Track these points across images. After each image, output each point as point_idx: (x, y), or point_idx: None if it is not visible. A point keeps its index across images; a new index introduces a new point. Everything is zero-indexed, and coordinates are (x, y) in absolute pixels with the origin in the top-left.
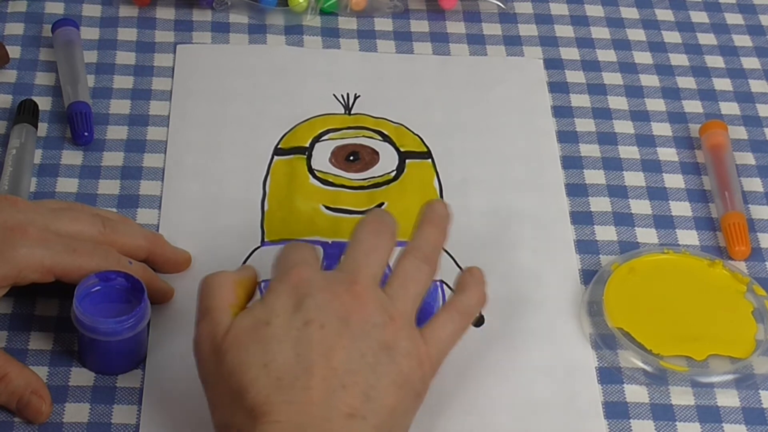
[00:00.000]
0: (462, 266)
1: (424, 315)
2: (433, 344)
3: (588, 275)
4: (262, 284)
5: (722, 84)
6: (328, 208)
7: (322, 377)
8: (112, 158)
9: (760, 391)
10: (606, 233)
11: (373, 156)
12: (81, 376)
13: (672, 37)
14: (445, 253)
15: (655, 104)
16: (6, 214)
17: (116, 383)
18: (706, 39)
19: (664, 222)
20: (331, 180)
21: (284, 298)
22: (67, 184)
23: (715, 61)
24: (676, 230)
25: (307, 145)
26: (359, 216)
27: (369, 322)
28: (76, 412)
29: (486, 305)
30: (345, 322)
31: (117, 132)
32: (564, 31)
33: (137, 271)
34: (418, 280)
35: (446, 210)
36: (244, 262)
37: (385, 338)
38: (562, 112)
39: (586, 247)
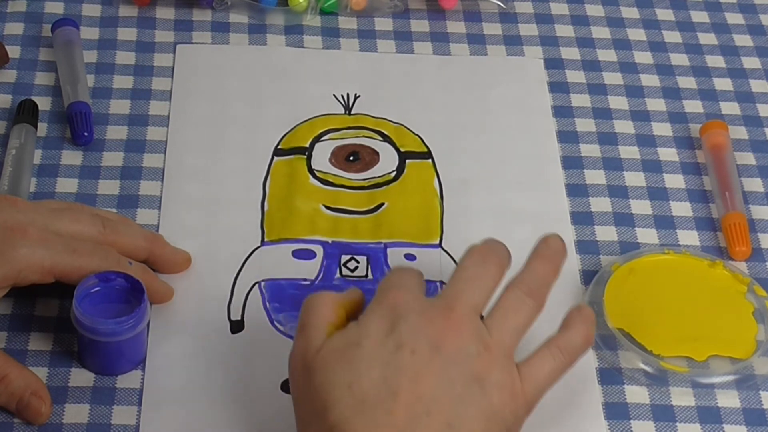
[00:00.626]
0: None
1: None
2: (529, 380)
3: (588, 275)
4: (263, 283)
5: (723, 84)
6: (328, 208)
7: (407, 402)
8: (112, 158)
9: (760, 392)
10: (606, 233)
11: (373, 156)
12: (81, 377)
13: (672, 36)
14: (444, 254)
15: (656, 104)
16: (6, 214)
17: (116, 384)
18: (707, 39)
19: (664, 222)
20: (331, 180)
21: (378, 320)
22: (67, 185)
23: (715, 61)
24: (677, 230)
25: (307, 145)
26: (359, 216)
27: (462, 350)
28: (76, 412)
29: (591, 345)
30: (437, 348)
31: (117, 132)
32: (564, 30)
33: (137, 271)
34: (520, 312)
35: (561, 245)
36: (244, 262)
37: (477, 368)
38: (562, 111)
39: (586, 247)
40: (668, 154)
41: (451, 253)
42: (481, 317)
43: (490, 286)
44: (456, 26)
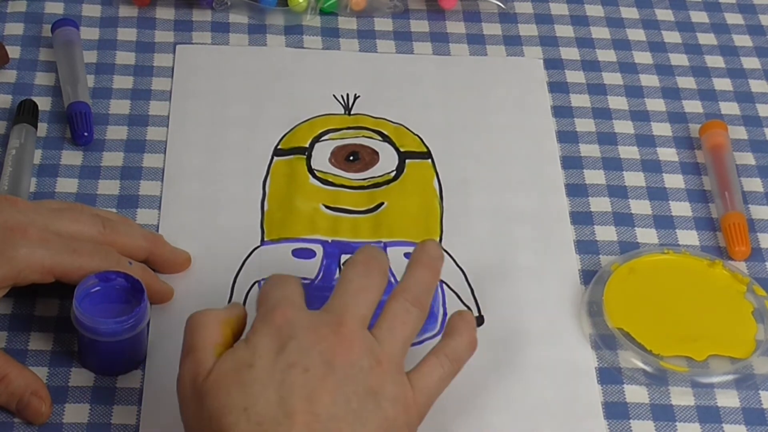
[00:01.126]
0: (462, 266)
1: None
2: (420, 390)
3: (588, 275)
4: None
5: (722, 84)
6: (328, 207)
7: (305, 423)
8: (112, 158)
9: (760, 392)
10: (606, 233)
11: (373, 156)
12: (81, 377)
13: (672, 37)
14: (445, 253)
15: (655, 104)
16: (6, 214)
17: (116, 384)
18: (706, 39)
19: (664, 222)
20: (331, 180)
21: (267, 339)
22: (67, 185)
23: (715, 61)
24: (676, 230)
25: (307, 145)
26: (359, 216)
27: (355, 365)
28: (76, 412)
29: (475, 350)
30: (330, 365)
31: (117, 132)
32: (564, 31)
33: (137, 271)
34: (407, 322)
35: (439, 251)
36: (244, 261)
37: (371, 383)
38: (562, 112)
39: (586, 247)
40: (668, 154)
41: (450, 252)
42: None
43: (375, 298)
44: (456, 26)
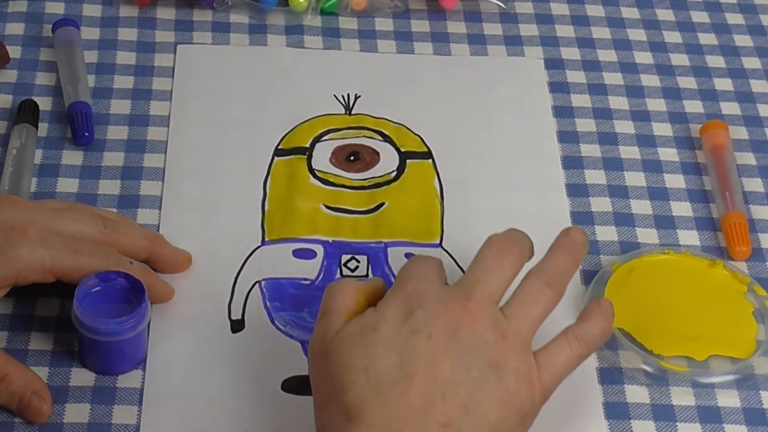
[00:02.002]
0: (463, 267)
1: None
2: (546, 369)
3: (589, 275)
4: (263, 283)
5: (723, 84)
6: (328, 207)
7: (422, 386)
8: (113, 158)
9: (760, 392)
10: (607, 233)
11: (374, 156)
12: (81, 377)
13: (673, 37)
14: (445, 253)
15: (656, 104)
16: (7, 214)
17: (116, 384)
18: (707, 39)
19: (664, 222)
20: (331, 180)
21: (396, 306)
22: (68, 184)
23: (715, 61)
24: (677, 230)
25: (308, 145)
26: (360, 216)
27: (479, 337)
28: (77, 412)
29: (608, 338)
30: (454, 335)
31: (117, 132)
32: (565, 31)
33: (138, 271)
34: (539, 302)
35: (583, 238)
36: (245, 262)
37: (494, 355)
38: (562, 112)
39: None
40: (669, 154)
41: (451, 252)
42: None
43: (508, 276)
44: (456, 26)
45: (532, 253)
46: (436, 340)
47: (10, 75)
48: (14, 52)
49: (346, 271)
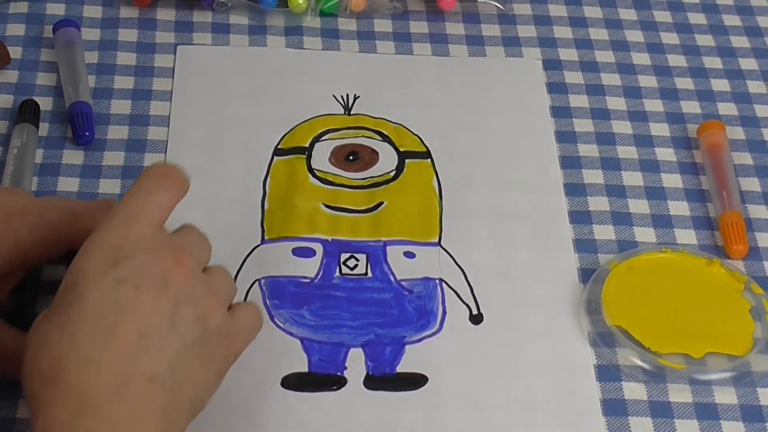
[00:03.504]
0: (461, 265)
1: (423, 314)
2: (239, 328)
3: (586, 274)
4: (263, 281)
5: (720, 85)
6: (327, 206)
7: (127, 339)
8: (113, 158)
9: (757, 389)
10: (604, 232)
11: (373, 156)
12: None
13: (670, 38)
14: (443, 252)
15: (654, 105)
16: (4, 201)
17: None
18: (704, 40)
19: (662, 221)
20: (330, 179)
21: (100, 257)
22: (68, 184)
23: (713, 62)
24: (674, 229)
25: (307, 145)
26: (359, 215)
27: (188, 291)
28: None
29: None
30: (164, 287)
31: (118, 132)
32: (562, 32)
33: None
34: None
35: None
36: (244, 260)
37: (201, 311)
38: (560, 112)
39: (584, 246)
40: (666, 154)
41: (449, 251)
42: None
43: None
44: (455, 27)
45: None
46: (145, 291)
47: (11, 75)
48: (15, 52)
49: (345, 270)
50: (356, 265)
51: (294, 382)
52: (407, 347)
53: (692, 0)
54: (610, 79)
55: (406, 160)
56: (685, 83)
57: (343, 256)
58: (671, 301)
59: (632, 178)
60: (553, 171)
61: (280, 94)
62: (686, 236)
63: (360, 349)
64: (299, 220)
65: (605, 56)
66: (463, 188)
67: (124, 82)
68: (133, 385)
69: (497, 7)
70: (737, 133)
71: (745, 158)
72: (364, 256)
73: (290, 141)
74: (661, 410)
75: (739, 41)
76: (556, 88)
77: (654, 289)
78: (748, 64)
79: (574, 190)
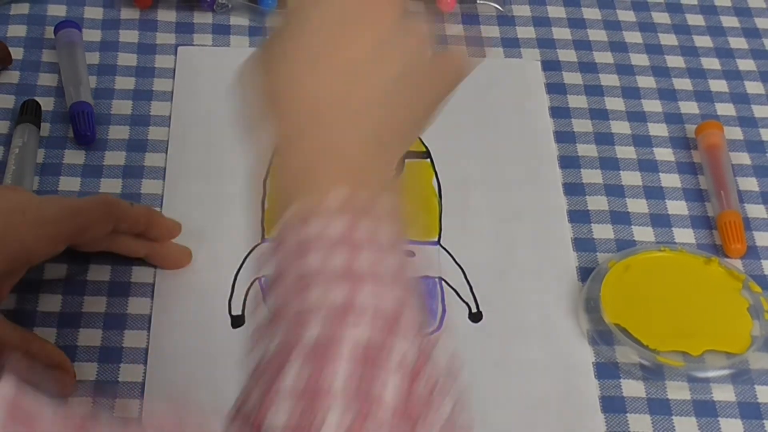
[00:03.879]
0: (461, 264)
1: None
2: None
3: (585, 272)
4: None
5: (718, 85)
6: None
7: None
8: (114, 157)
9: (755, 386)
10: (603, 231)
11: None
12: (83, 372)
13: (668, 39)
14: (443, 251)
15: (652, 105)
16: (5, 199)
17: (118, 377)
18: (703, 41)
19: (660, 220)
20: None
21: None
22: (70, 183)
23: (711, 63)
24: (673, 228)
25: None
26: None
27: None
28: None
29: None
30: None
31: (119, 132)
32: (561, 33)
33: (141, 209)
34: None
35: None
36: (245, 259)
37: (410, 46)
38: (559, 112)
39: (583, 244)
40: (664, 153)
41: (449, 250)
42: None
43: None
44: (454, 29)
45: None
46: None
47: (13, 76)
48: (17, 53)
49: None
50: None
51: None
52: None
53: (690, 1)
54: (609, 79)
55: (406, 160)
56: (683, 84)
57: None
58: (670, 300)
59: (631, 178)
60: (551, 171)
61: None
62: (684, 235)
63: None
64: None
65: (604, 57)
66: (462, 188)
67: (124, 83)
68: (353, 105)
69: (496, 8)
70: (735, 133)
71: (743, 158)
72: None
73: None
74: (660, 407)
75: (737, 42)
76: (555, 88)
77: (652, 287)
78: (745, 65)
79: (573, 189)
